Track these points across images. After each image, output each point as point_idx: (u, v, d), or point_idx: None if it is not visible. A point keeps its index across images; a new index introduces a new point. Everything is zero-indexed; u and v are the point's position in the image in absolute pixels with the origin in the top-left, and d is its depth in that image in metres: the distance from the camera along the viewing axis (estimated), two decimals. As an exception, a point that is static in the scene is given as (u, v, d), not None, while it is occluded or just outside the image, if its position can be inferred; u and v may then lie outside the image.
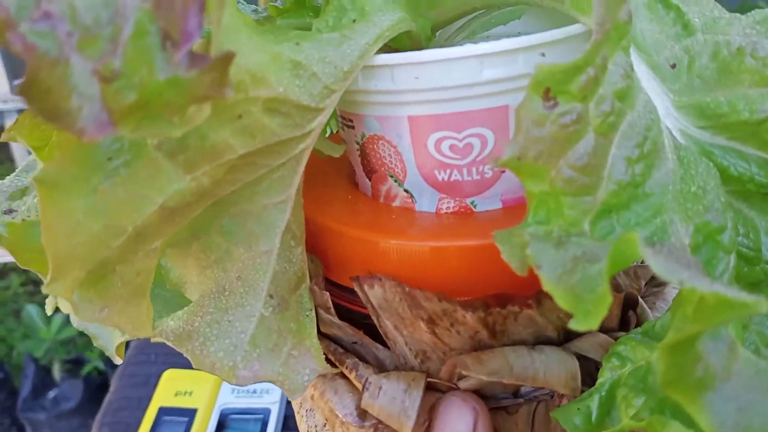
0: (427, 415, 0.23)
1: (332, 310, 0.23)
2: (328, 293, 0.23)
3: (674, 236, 0.19)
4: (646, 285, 0.27)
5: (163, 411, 0.47)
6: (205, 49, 0.15)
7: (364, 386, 0.23)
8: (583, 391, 0.23)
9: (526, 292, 0.23)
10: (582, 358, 0.23)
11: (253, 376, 0.21)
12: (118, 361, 0.26)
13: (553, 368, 0.22)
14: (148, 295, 0.20)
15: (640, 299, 0.23)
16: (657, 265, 0.15)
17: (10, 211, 0.23)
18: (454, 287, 0.22)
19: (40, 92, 0.12)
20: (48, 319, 1.39)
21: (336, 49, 0.20)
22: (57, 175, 0.17)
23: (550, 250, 0.18)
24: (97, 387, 1.37)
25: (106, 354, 0.27)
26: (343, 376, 0.24)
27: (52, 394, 1.36)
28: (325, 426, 0.27)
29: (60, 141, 0.17)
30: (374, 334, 0.24)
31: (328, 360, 0.24)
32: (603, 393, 0.21)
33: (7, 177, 0.33)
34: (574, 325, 0.17)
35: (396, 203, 0.25)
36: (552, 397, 0.24)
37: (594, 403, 0.21)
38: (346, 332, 0.24)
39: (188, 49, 0.13)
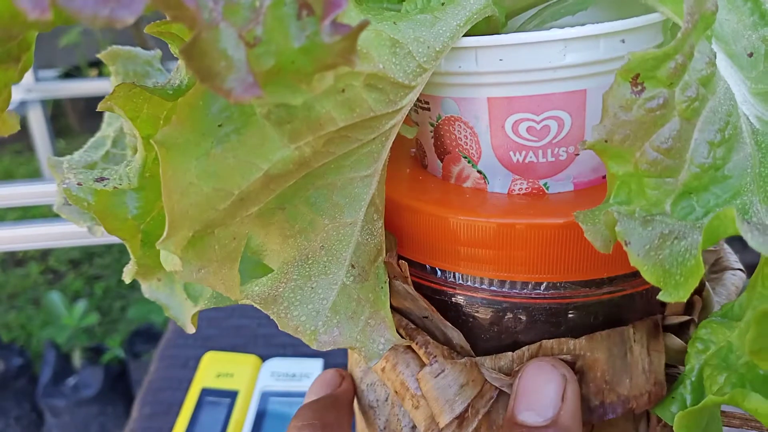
0: (473, 411, 0.24)
1: (409, 279, 0.24)
2: (406, 263, 0.23)
3: (755, 216, 0.19)
4: (706, 271, 0.27)
5: (205, 392, 0.48)
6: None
7: (430, 362, 0.23)
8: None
9: (595, 275, 0.23)
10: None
11: (333, 341, 0.22)
12: (191, 330, 0.27)
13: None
14: (239, 260, 0.21)
15: (706, 283, 0.24)
16: (753, 239, 0.15)
17: (101, 179, 0.24)
18: (524, 267, 0.23)
19: (199, 53, 0.13)
20: (70, 306, 1.41)
21: (429, 29, 0.21)
22: (174, 137, 0.18)
23: (638, 227, 0.19)
24: (116, 375, 1.38)
25: (178, 324, 0.28)
26: (414, 350, 0.25)
27: (72, 381, 1.37)
28: (386, 400, 0.28)
29: (177, 106, 0.18)
30: (444, 310, 0.25)
31: (399, 334, 0.25)
32: (693, 378, 0.22)
33: (76, 153, 0.34)
34: (663, 297, 0.17)
35: (467, 184, 0.26)
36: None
37: (686, 389, 0.22)
38: (419, 306, 0.24)
39: (333, 18, 0.14)
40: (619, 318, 0.24)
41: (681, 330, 0.25)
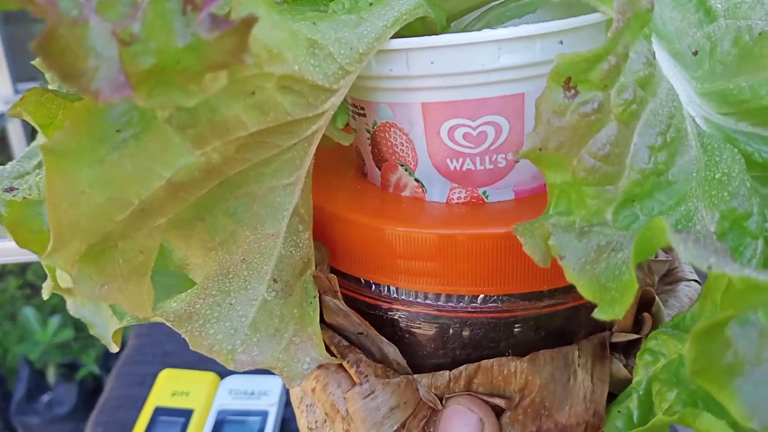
0: None
1: (339, 294, 0.22)
2: (336, 277, 0.22)
3: (699, 223, 0.18)
4: (658, 282, 0.26)
5: (159, 411, 0.46)
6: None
7: (360, 381, 0.22)
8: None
9: (534, 287, 0.22)
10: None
11: (251, 361, 0.20)
12: (114, 348, 0.25)
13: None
14: (149, 275, 0.20)
15: (656, 297, 0.23)
16: (686, 251, 0.14)
17: (11, 189, 0.22)
18: (462, 279, 0.22)
19: (58, 50, 0.12)
20: (44, 322, 1.38)
21: (353, 30, 0.20)
22: (65, 144, 0.16)
23: (573, 240, 0.17)
24: (91, 392, 1.35)
25: (102, 342, 0.26)
26: (346, 369, 0.23)
27: (46, 398, 1.34)
28: (325, 422, 0.26)
29: (70, 111, 0.17)
30: (380, 326, 0.24)
31: (330, 351, 0.23)
32: (641, 392, 0.21)
33: (8, 163, 0.32)
34: (598, 315, 0.16)
35: (405, 193, 0.24)
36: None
37: (633, 402, 0.20)
38: (352, 321, 0.23)
39: (210, 11, 0.13)
40: (564, 332, 0.23)
41: (629, 349, 0.23)
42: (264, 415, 0.43)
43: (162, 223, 0.19)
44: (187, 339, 0.20)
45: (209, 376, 0.49)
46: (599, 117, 0.19)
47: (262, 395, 0.46)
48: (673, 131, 0.20)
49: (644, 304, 0.23)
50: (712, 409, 0.18)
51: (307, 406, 0.27)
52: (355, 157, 0.28)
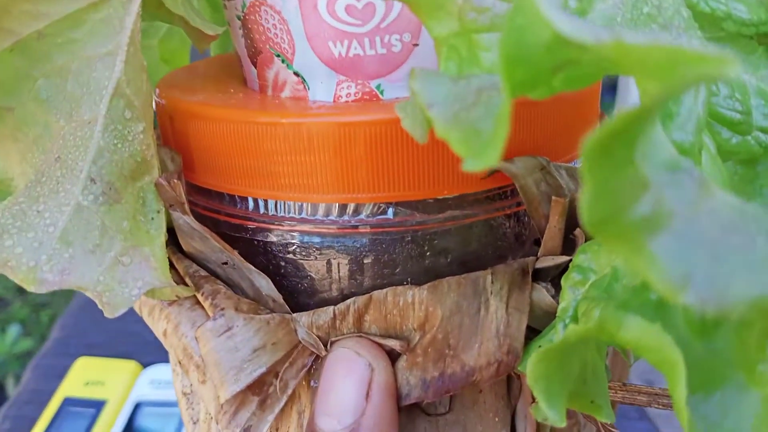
0: (282, 384, 0.17)
1: (187, 207, 0.17)
2: (180, 183, 0.17)
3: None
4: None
5: (68, 402, 0.41)
6: None
7: (214, 316, 0.17)
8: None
9: (433, 193, 0.17)
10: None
11: (59, 281, 0.16)
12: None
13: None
14: None
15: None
16: (564, 24, 0.09)
17: None
18: (344, 185, 0.17)
19: None
20: (2, 332, 1.32)
21: None
22: None
23: (447, 83, 0.13)
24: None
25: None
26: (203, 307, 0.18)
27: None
28: (197, 422, 0.21)
29: None
30: (251, 254, 0.19)
31: (182, 283, 0.19)
32: (567, 320, 0.16)
33: None
34: (466, 166, 0.11)
35: (285, 93, 0.20)
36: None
37: (558, 334, 0.16)
38: (212, 247, 0.18)
39: None
40: (475, 259, 0.19)
41: (560, 277, 0.19)
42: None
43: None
44: None
45: (129, 365, 0.44)
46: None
47: (187, 384, 0.41)
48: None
49: (575, 216, 0.18)
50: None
51: (189, 399, 0.23)
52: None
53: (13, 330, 1.31)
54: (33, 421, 0.42)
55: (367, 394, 0.17)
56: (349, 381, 0.17)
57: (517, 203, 0.18)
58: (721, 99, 0.15)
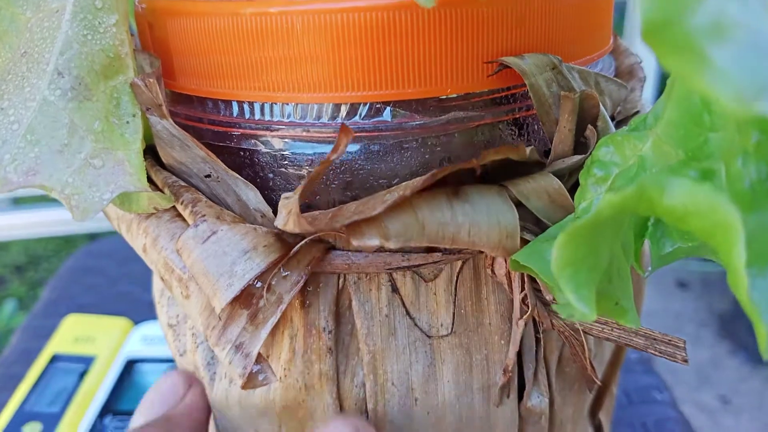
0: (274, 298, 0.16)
1: (165, 110, 0.16)
2: (156, 83, 0.16)
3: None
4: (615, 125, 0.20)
5: (57, 358, 0.39)
6: None
7: (196, 222, 0.16)
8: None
9: (435, 91, 0.16)
10: (520, 207, 0.16)
11: (23, 180, 0.14)
12: None
13: (481, 223, 0.16)
14: None
15: (601, 107, 0.16)
16: None
17: None
18: (336, 81, 0.16)
19: None
20: (-1, 307, 1.31)
21: None
22: None
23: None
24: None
25: None
26: (185, 219, 0.17)
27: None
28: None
29: None
30: (238, 166, 0.17)
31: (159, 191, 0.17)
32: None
33: None
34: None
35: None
36: (482, 252, 0.17)
37: None
38: (194, 156, 0.17)
39: None
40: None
41: (575, 185, 0.17)
42: (178, 360, 0.37)
43: None
44: None
45: (120, 322, 0.43)
46: None
47: (180, 341, 0.39)
48: None
49: (587, 116, 0.16)
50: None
51: (168, 299, 0.21)
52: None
53: (9, 305, 1.30)
54: (21, 380, 0.41)
55: None
56: None
57: (527, 107, 0.17)
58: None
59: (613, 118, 0.20)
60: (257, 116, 0.17)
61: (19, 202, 1.15)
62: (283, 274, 0.16)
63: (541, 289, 0.17)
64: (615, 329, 0.17)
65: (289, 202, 0.15)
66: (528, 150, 0.15)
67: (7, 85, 0.15)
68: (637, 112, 0.21)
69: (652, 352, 0.17)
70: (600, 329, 0.17)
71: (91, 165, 0.15)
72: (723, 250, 0.09)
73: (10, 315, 1.29)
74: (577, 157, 0.16)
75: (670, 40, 0.08)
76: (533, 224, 0.17)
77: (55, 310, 0.48)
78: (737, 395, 1.14)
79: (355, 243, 0.14)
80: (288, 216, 0.15)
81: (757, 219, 0.11)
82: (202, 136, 0.17)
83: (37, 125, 0.14)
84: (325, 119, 0.16)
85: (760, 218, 0.11)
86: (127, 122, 0.16)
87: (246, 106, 0.17)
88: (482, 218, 0.16)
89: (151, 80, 0.16)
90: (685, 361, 0.16)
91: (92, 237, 1.52)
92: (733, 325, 1.26)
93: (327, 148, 0.16)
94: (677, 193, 0.10)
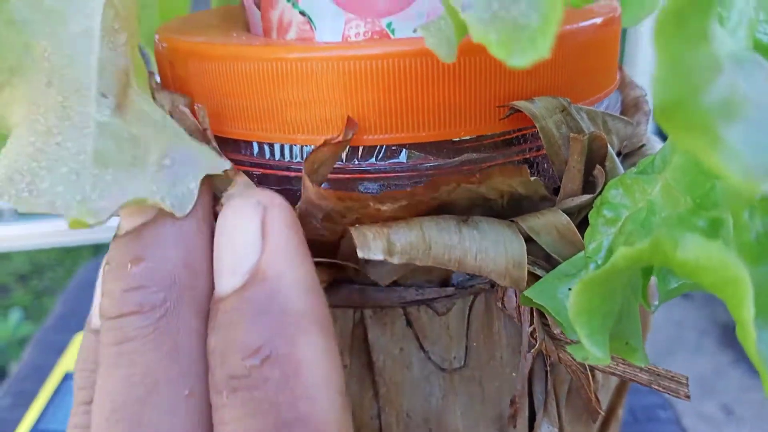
0: None
1: (210, 133, 0.16)
2: (203, 107, 0.16)
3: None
4: (622, 159, 0.21)
5: (69, 376, 0.40)
6: None
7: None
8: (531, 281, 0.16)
9: (449, 134, 0.16)
10: (531, 242, 0.17)
11: (114, 203, 0.15)
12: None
13: (489, 249, 0.16)
14: None
15: (609, 147, 0.17)
16: None
17: None
18: (360, 122, 0.16)
19: None
20: (5, 317, 1.31)
21: None
22: None
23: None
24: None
25: None
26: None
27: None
28: None
29: None
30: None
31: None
32: (599, 260, 0.15)
33: None
34: (512, 62, 0.10)
35: (291, 35, 0.19)
36: (493, 286, 0.18)
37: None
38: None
39: None
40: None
41: (583, 222, 0.18)
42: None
43: None
44: (14, 205, 0.15)
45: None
46: None
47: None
48: None
49: (595, 156, 0.17)
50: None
51: None
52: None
53: (15, 315, 1.30)
54: (34, 396, 0.41)
55: (263, 233, 0.14)
56: (242, 224, 0.14)
57: (537, 147, 0.18)
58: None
59: (619, 153, 0.20)
60: (276, 157, 0.17)
61: (22, 213, 1.16)
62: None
63: (549, 323, 0.18)
64: (620, 364, 0.17)
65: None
66: (532, 180, 0.16)
67: (46, 119, 0.15)
68: (643, 146, 0.21)
69: (656, 387, 0.17)
70: (606, 365, 0.17)
71: (163, 167, 0.15)
72: (732, 304, 0.10)
73: (16, 324, 1.30)
74: (586, 197, 0.17)
75: (684, 120, 0.08)
76: (543, 260, 0.17)
77: (65, 324, 0.49)
78: (740, 405, 1.14)
79: (360, 254, 0.15)
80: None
81: (763, 271, 0.11)
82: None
83: (102, 148, 0.15)
84: (341, 162, 0.17)
85: (766, 271, 0.11)
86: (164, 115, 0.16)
87: (265, 146, 0.17)
88: (490, 245, 0.16)
89: (199, 105, 0.16)
90: (687, 397, 0.17)
91: (96, 247, 1.53)
92: (736, 335, 1.26)
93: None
94: (690, 248, 0.10)
